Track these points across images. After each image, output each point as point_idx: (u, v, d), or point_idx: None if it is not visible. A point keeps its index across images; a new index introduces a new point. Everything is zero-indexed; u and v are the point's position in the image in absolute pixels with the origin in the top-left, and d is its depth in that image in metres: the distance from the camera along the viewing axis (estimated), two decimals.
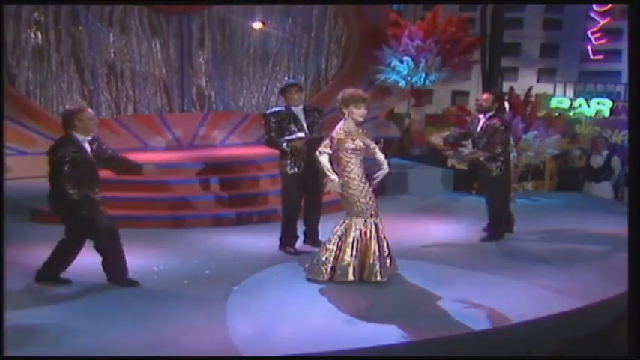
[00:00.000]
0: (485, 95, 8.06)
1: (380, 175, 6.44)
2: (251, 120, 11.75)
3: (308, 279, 6.39)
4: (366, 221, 6.27)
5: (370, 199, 6.28)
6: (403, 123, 14.27)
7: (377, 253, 6.25)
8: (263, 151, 8.80)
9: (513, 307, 5.69)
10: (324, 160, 6.23)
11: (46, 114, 10.92)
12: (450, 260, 7.11)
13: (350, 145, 6.19)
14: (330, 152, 6.23)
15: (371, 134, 6.97)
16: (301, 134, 7.29)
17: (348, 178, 6.21)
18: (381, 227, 6.35)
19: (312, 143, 7.02)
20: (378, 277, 6.23)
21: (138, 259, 7.00)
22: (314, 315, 5.55)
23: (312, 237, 7.61)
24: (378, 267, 6.25)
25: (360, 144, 6.22)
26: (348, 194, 6.26)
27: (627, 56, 6.47)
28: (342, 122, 6.32)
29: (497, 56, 12.43)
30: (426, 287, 6.22)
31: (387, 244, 6.39)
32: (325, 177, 6.29)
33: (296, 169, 7.32)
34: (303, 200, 7.60)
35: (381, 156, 6.50)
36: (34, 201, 8.91)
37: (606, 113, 13.92)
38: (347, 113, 6.26)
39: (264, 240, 7.76)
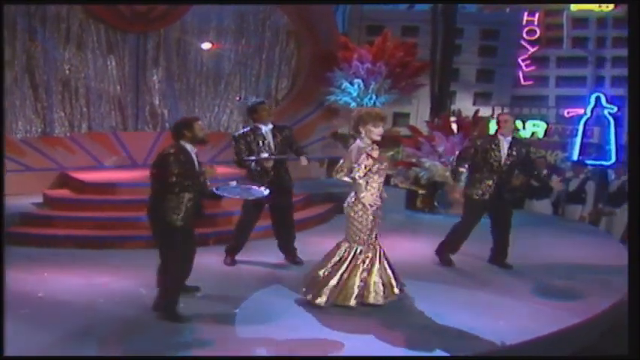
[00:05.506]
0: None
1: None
2: None
3: (310, 302, 6.08)
4: (357, 247, 6.05)
5: (366, 226, 6.00)
6: (348, 143, 14.57)
7: (378, 276, 6.11)
8: (222, 170, 8.26)
9: (517, 324, 5.75)
10: (346, 179, 6.02)
11: None
12: (432, 278, 7.14)
13: (375, 167, 5.93)
14: (346, 176, 5.99)
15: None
16: (265, 155, 7.38)
17: (356, 199, 6.00)
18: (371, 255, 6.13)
19: (279, 162, 7.42)
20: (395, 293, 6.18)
21: (121, 281, 6.74)
22: (331, 340, 5.40)
23: (290, 255, 7.74)
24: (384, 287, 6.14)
25: (382, 166, 5.97)
26: (348, 215, 6.05)
27: (628, 55, 6.94)
28: (358, 142, 5.99)
29: (447, 80, 12.95)
30: (431, 307, 6.14)
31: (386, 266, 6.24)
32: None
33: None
34: (272, 221, 7.76)
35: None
36: None
37: (541, 134, 14.72)
38: (364, 132, 5.96)
39: (245, 260, 7.67)
